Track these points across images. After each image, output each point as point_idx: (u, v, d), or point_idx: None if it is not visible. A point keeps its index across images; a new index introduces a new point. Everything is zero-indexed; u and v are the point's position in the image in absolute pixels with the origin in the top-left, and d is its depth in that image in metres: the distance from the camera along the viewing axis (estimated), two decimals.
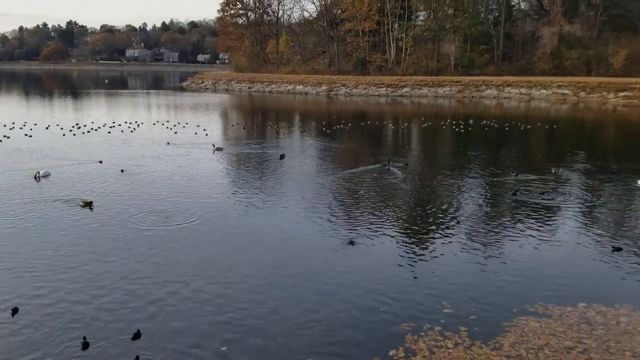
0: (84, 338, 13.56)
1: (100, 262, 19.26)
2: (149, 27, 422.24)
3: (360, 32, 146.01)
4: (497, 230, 23.73)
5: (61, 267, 18.66)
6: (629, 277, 18.71)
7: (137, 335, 13.80)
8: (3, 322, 14.78)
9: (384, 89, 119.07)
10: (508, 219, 25.46)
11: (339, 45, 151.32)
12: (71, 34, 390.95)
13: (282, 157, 41.64)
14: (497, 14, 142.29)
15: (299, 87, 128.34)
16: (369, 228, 23.78)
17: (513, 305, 16.37)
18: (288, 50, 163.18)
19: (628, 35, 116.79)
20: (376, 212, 26.24)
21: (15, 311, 14.97)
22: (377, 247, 21.43)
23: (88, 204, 26.18)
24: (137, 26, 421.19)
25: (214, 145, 45.82)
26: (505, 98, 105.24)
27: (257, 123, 69.12)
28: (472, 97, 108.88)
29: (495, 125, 63.61)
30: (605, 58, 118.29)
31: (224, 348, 13.54)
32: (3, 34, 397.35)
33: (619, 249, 21.07)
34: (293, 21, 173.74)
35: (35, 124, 59.00)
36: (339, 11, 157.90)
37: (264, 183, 32.74)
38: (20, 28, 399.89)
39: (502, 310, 16.17)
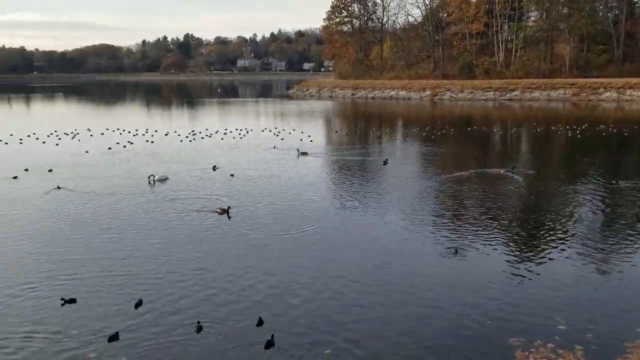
0: (198, 324, 14.28)
1: (234, 262, 20.19)
2: (258, 38, 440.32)
3: (467, 35, 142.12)
4: (619, 242, 21.87)
5: (200, 268, 19.80)
6: None
7: (260, 322, 14.73)
8: (187, 335, 15.91)
9: (492, 92, 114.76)
10: (632, 231, 23.41)
11: (444, 49, 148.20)
12: (188, 46, 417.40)
13: (385, 162, 41.41)
14: (617, 12, 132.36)
15: (402, 93, 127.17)
16: (477, 235, 22.92)
17: (636, 324, 14.97)
18: (392, 56, 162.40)
19: None
20: (485, 220, 25.24)
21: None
22: (484, 256, 20.58)
23: (225, 211, 26.29)
24: (247, 37, 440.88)
25: (298, 150, 46.66)
26: (626, 101, 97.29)
27: (360, 129, 69.33)
28: (589, 100, 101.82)
29: (615, 131, 58.97)
30: None
31: (327, 351, 13.59)
32: (128, 48, 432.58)
33: None
34: (397, 27, 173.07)
35: (156, 131, 63.45)
36: (445, 14, 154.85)
37: (367, 188, 32.71)
38: (143, 42, 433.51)
39: (623, 328, 14.80)
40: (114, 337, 13.84)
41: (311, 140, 55.68)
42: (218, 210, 26.62)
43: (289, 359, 13.24)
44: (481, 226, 24.28)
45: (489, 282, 18.05)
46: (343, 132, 65.06)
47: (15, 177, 36.06)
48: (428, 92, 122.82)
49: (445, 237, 22.85)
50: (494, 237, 22.70)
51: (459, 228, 24.09)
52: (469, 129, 64.76)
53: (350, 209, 27.58)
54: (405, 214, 26.53)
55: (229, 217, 25.75)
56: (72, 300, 16.11)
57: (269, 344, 13.59)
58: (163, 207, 28.19)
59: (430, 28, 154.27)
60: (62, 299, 16.11)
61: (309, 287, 17.57)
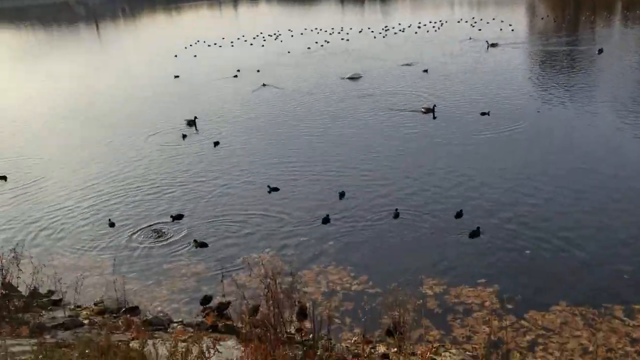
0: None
1: (435, 160, 20.54)
2: None
3: None
4: None
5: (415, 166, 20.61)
6: None
7: (459, 214, 14.92)
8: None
9: None
10: None
11: None
12: None
13: (600, 51, 36.59)
14: None
15: None
16: None
17: None
18: None
19: None
20: None
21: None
22: None
23: (430, 110, 25.09)
24: None
25: (487, 42, 42.82)
26: None
27: (569, 14, 61.50)
28: None
29: None
30: None
31: (527, 251, 13.25)
32: None
33: None
34: None
35: (351, 29, 63.98)
36: None
37: (577, 81, 29.49)
38: None
39: None
40: (325, 220, 15.38)
41: (512, 30, 51.29)
42: (422, 109, 25.91)
43: (491, 251, 13.18)
44: None
45: None
46: (550, 18, 58.41)
47: (235, 76, 40.08)
48: None
49: None
50: None
51: None
52: None
53: (560, 105, 25.29)
54: (617, 109, 23.55)
55: (434, 117, 25.13)
56: (275, 189, 17.97)
57: (474, 234, 13.89)
58: (360, 104, 28.92)
59: None
60: (268, 187, 18.18)
61: (516, 190, 16.90)
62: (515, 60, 37.33)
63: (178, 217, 16.35)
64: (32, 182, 21.02)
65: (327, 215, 15.61)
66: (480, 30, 52.94)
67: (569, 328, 10.16)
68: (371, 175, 18.78)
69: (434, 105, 25.65)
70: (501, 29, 51.96)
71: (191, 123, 27.39)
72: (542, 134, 21.67)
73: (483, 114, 24.47)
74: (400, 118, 25.58)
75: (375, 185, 17.75)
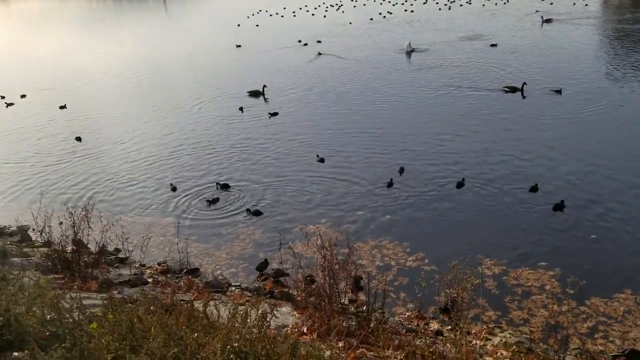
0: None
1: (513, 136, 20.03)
2: None
3: None
4: None
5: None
6: None
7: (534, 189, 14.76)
8: None
9: None
10: None
11: None
12: None
13: None
14: None
15: None
16: None
17: None
18: None
19: None
20: None
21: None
22: None
23: (516, 89, 24.00)
24: None
25: (542, 17, 40.61)
26: None
27: None
28: None
29: None
30: None
31: (593, 236, 12.73)
32: None
33: None
34: None
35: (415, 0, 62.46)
36: None
37: None
38: None
39: None
40: (390, 184, 15.70)
41: (586, 5, 48.61)
42: (505, 88, 24.63)
43: (556, 233, 12.77)
44: None
45: None
46: None
47: (301, 44, 40.11)
48: None
49: None
50: None
51: None
52: None
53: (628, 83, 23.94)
54: None
55: (524, 96, 23.77)
56: (322, 160, 18.08)
57: (558, 207, 13.64)
58: (423, 78, 28.31)
59: None
60: (317, 156, 18.31)
61: (593, 172, 16.19)
62: (585, 38, 35.35)
63: (225, 187, 16.53)
64: (103, 143, 21.99)
65: (391, 180, 15.81)
66: (552, 3, 50.41)
67: (633, 317, 9.76)
68: (434, 151, 18.45)
69: (524, 84, 24.13)
70: (574, 4, 49.30)
71: (257, 94, 27.48)
72: (621, 116, 20.42)
73: (556, 91, 23.40)
74: (469, 95, 24.75)
75: (436, 161, 17.44)
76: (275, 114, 24.01)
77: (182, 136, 22.17)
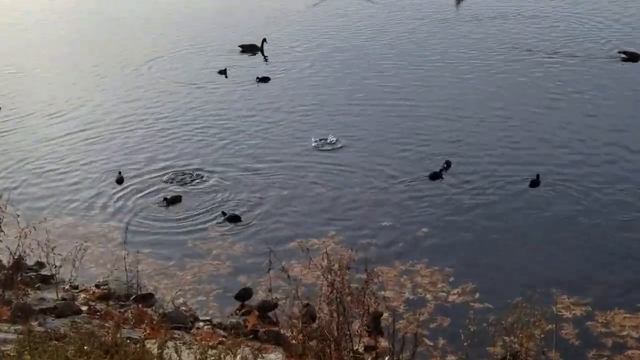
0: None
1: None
2: None
3: None
4: None
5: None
6: None
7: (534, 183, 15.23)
8: None
9: None
10: None
11: None
12: None
13: None
14: None
15: None
16: None
17: None
18: None
19: None
20: None
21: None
22: None
23: None
24: None
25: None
26: None
27: None
28: None
29: None
30: None
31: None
32: None
33: None
34: None
35: None
36: None
37: None
38: None
39: None
40: (434, 176, 15.91)
41: None
42: (622, 55, 24.29)
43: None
44: None
45: None
46: None
47: None
48: None
49: None
50: None
51: None
52: None
53: None
54: None
55: None
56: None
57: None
58: (481, 35, 28.25)
59: None
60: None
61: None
62: None
63: (174, 200, 15.72)
64: (25, 113, 21.98)
65: (440, 171, 15.97)
66: None
67: None
68: (495, 137, 18.60)
69: None
70: None
71: (253, 49, 27.63)
72: None
73: None
74: (552, 62, 24.71)
75: (498, 152, 17.56)
76: (265, 78, 24.06)
77: (136, 105, 22.23)
